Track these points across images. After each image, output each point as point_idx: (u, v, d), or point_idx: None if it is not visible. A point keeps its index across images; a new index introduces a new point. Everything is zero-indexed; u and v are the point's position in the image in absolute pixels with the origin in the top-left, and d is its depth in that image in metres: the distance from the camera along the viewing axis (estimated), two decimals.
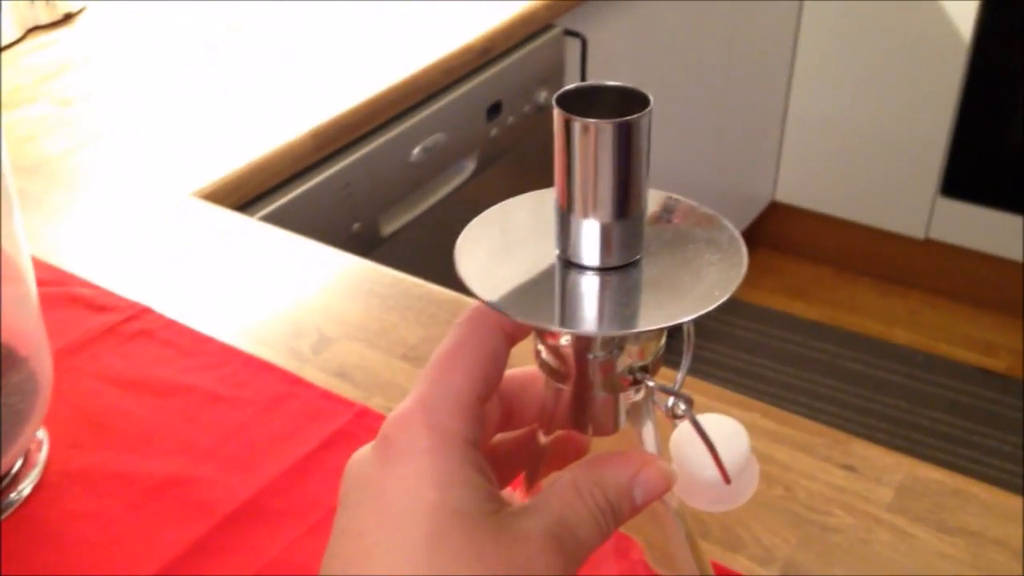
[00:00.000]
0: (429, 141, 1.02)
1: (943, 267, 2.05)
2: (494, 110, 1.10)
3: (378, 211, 1.00)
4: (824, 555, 0.47)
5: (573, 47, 1.22)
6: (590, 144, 0.23)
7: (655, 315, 0.23)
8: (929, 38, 1.85)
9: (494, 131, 1.11)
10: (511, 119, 1.13)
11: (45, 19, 1.08)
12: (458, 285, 0.70)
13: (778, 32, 1.93)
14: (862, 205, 2.07)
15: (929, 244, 2.03)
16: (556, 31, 1.18)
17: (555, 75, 1.20)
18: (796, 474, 0.51)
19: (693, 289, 0.23)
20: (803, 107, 2.04)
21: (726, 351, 1.87)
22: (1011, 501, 0.50)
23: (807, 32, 1.97)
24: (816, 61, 1.98)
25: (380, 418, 0.53)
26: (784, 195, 2.14)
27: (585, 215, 0.24)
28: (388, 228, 1.02)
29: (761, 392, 1.78)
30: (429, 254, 1.07)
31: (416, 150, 1.00)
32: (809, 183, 2.11)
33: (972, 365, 1.89)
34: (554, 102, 0.23)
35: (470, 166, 1.10)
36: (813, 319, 1.99)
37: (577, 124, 0.23)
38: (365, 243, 0.97)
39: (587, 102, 0.23)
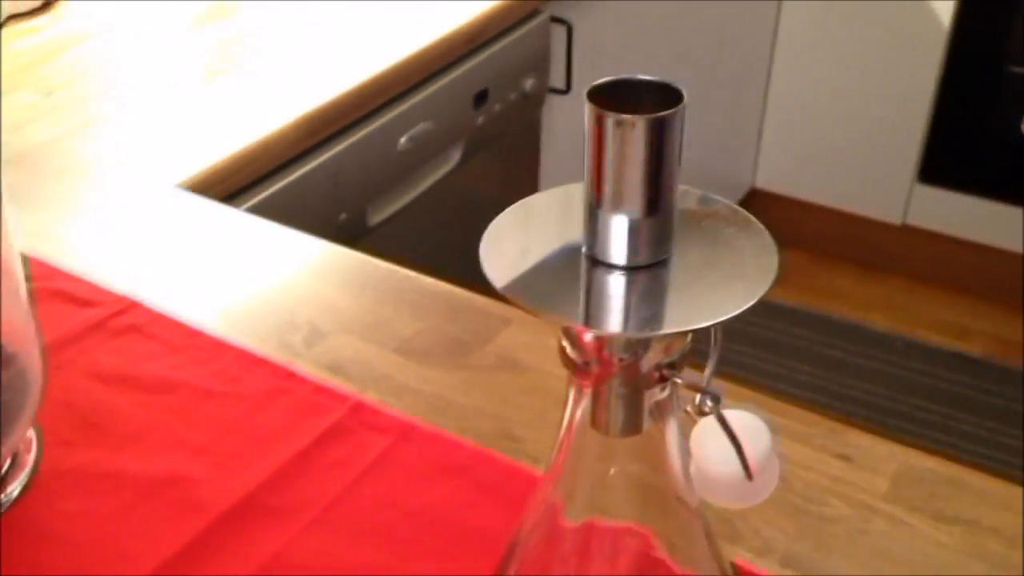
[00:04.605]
0: (416, 130, 1.01)
1: (921, 253, 2.06)
2: (480, 98, 1.10)
3: (365, 201, 0.99)
4: (822, 546, 0.47)
5: (559, 34, 1.22)
6: (623, 139, 0.22)
7: (681, 317, 0.22)
8: (908, 26, 1.86)
9: (480, 119, 1.11)
10: (497, 107, 1.13)
11: (25, 7, 1.06)
12: (449, 275, 0.69)
13: (759, 21, 1.94)
14: (841, 191, 2.09)
15: (907, 230, 2.05)
16: (542, 18, 1.17)
17: (541, 62, 1.19)
18: (793, 464, 0.52)
19: (721, 291, 0.23)
20: (783, 95, 2.05)
21: (703, 337, 1.88)
22: (1005, 489, 0.50)
23: (787, 20, 1.97)
24: (796, 49, 1.99)
25: (375, 412, 0.53)
26: (764, 182, 2.15)
27: (615, 211, 0.24)
28: (375, 218, 1.01)
29: (740, 379, 1.78)
30: (416, 244, 1.07)
31: (403, 139, 1.00)
32: (788, 170, 2.12)
33: (949, 350, 1.91)
34: (586, 96, 0.23)
35: (456, 155, 1.10)
36: (792, 305, 2.00)
37: (610, 119, 0.22)
38: (352, 233, 0.97)
39: (619, 95, 0.23)
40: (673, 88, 0.23)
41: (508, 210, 0.26)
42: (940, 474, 0.51)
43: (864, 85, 1.96)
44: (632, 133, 0.22)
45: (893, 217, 2.05)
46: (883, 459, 0.52)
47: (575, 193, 0.25)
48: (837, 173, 2.07)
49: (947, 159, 1.96)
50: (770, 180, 2.14)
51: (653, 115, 0.22)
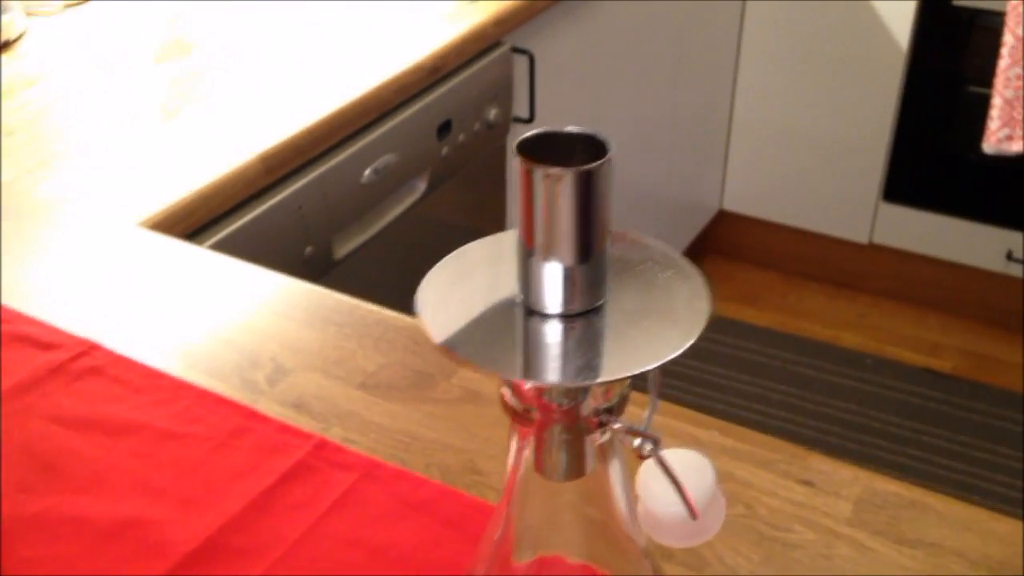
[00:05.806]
0: (380, 162, 1.01)
1: (888, 271, 2.09)
2: (444, 129, 1.10)
3: (331, 234, 0.99)
4: (786, 572, 0.48)
5: (521, 64, 1.23)
6: (552, 191, 0.23)
7: (617, 364, 0.23)
8: (867, 46, 1.89)
9: (445, 150, 1.11)
10: (461, 137, 1.13)
11: None
12: (414, 309, 0.69)
13: (721, 44, 1.96)
14: (807, 212, 2.11)
15: (873, 248, 2.07)
16: (504, 48, 1.18)
17: (504, 92, 1.20)
18: (756, 491, 0.52)
19: (657, 335, 0.23)
20: (747, 117, 2.07)
21: (677, 360, 1.88)
22: (966, 511, 0.51)
23: (749, 43, 2.00)
24: (758, 71, 2.01)
25: (339, 450, 0.53)
26: (731, 204, 2.17)
27: (547, 260, 0.24)
28: (341, 251, 1.01)
29: (714, 400, 1.79)
30: (383, 277, 1.07)
31: (367, 171, 1.00)
32: (755, 191, 2.14)
33: (919, 366, 1.93)
34: (516, 149, 0.23)
35: (421, 186, 1.10)
36: (763, 325, 2.01)
37: (539, 172, 0.23)
38: (318, 267, 0.97)
39: (548, 147, 0.23)
40: (600, 139, 0.23)
41: (443, 260, 0.26)
42: (902, 497, 0.51)
43: (827, 107, 1.98)
44: (560, 185, 0.23)
45: (860, 236, 2.07)
46: (845, 483, 0.52)
47: (509, 241, 0.25)
48: (803, 194, 2.09)
49: (911, 178, 1.98)
50: (737, 202, 2.16)
51: (580, 168, 0.23)
